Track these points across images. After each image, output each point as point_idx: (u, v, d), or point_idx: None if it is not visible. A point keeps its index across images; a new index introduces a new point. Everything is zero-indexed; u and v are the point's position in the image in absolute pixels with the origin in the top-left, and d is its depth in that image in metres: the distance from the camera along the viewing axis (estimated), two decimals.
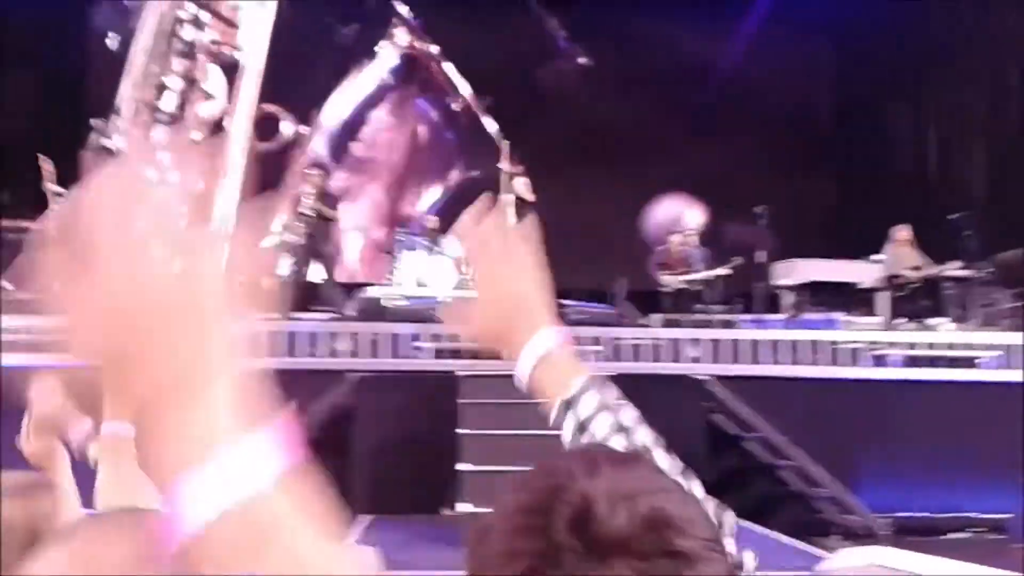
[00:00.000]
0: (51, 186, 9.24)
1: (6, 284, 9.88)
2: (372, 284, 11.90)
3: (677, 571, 0.60)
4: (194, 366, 0.52)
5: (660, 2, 14.38)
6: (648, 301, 10.78)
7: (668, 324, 10.02)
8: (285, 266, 13.96)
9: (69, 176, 9.90)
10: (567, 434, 0.98)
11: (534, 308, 1.05)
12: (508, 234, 1.07)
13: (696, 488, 0.85)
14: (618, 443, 0.93)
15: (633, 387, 6.46)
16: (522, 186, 9.44)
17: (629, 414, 0.97)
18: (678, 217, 12.35)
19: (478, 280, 1.06)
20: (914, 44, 14.11)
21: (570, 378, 1.00)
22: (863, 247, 11.23)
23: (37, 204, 10.05)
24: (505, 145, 10.36)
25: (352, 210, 14.20)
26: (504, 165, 9.73)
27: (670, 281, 10.20)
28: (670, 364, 8.28)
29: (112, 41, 14.01)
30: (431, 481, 7.07)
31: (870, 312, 11.18)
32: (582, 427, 0.96)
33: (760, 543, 6.52)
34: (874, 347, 8.52)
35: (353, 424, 7.41)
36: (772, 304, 11.27)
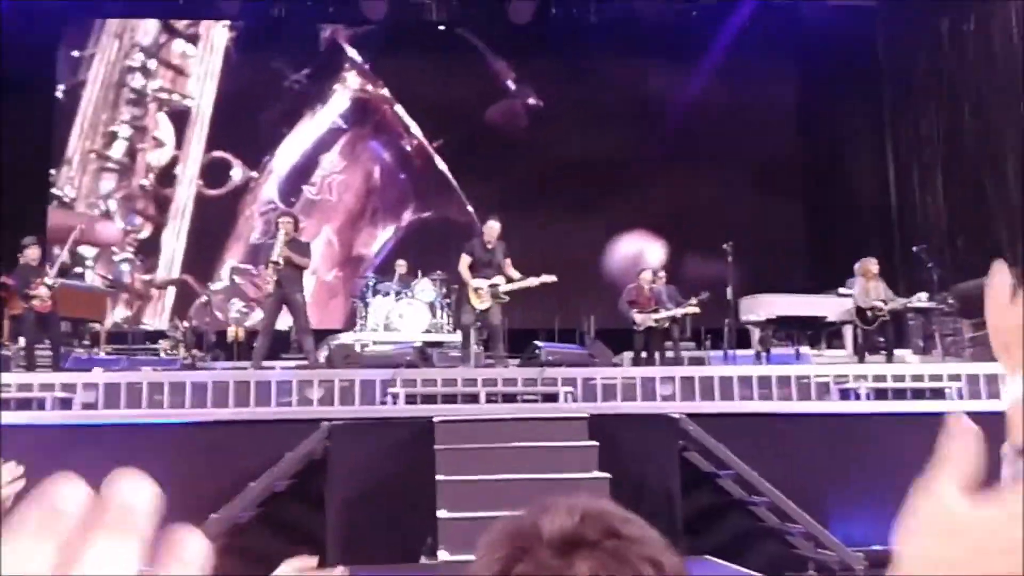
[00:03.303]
0: None
1: None
2: (337, 330, 11.89)
3: (625, 551, 0.71)
4: None
5: (619, 41, 14.64)
6: (619, 339, 10.85)
7: (639, 362, 10.09)
8: (234, 311, 13.98)
9: (32, 228, 9.86)
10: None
11: None
12: None
13: None
14: None
15: (607, 427, 6.43)
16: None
17: None
18: (639, 255, 12.46)
19: None
20: (874, 79, 14.47)
21: None
22: (830, 280, 11.42)
23: None
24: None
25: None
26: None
27: (641, 319, 10.29)
28: (643, 403, 8.32)
29: (60, 93, 14.08)
30: (409, 529, 7.02)
31: (837, 345, 11.34)
32: None
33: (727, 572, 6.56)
34: (841, 380, 8.63)
35: (327, 472, 7.36)
36: (742, 340, 11.40)
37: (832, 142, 15.15)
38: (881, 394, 8.54)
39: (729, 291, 10.74)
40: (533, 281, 9.15)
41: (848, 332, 10.61)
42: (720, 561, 7.01)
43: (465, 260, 9.13)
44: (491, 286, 9.00)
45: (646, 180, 14.62)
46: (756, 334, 11.53)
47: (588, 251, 14.51)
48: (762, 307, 11.22)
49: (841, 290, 10.38)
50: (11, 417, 7.63)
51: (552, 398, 8.25)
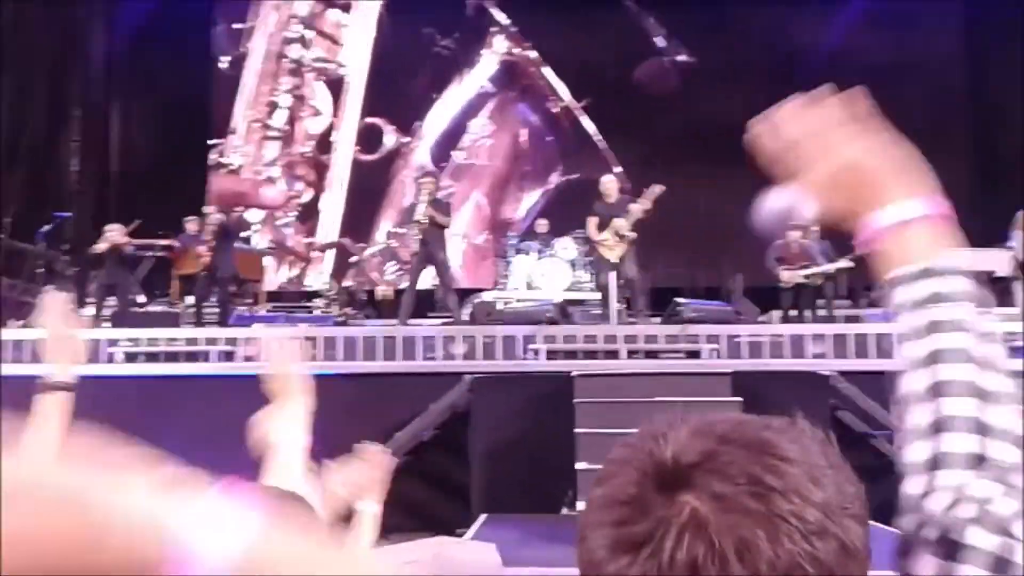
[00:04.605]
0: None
1: (140, 297, 10.49)
2: (484, 289, 12.07)
3: (772, 506, 0.56)
4: None
5: None
6: (767, 297, 10.53)
7: (788, 320, 9.77)
8: (390, 272, 14.37)
9: (195, 196, 10.47)
10: (905, 298, 0.83)
11: (898, 175, 0.87)
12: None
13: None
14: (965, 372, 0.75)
15: (752, 384, 6.26)
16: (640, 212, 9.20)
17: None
18: (790, 208, 11.87)
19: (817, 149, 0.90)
20: None
21: (937, 250, 0.84)
22: (1000, 233, 10.65)
23: (165, 223, 10.65)
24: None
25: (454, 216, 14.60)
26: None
27: (789, 276, 9.94)
28: (791, 360, 8.06)
29: (224, 64, 14.78)
30: (549, 480, 7.10)
31: (1008, 303, 10.61)
32: (936, 298, 0.80)
33: (892, 543, 6.28)
34: (1010, 339, 8.08)
35: (471, 423, 7.52)
36: None
37: (1002, 87, 14.05)
38: None
39: None
40: (644, 204, 8.96)
41: (1019, 288, 9.91)
42: (877, 523, 6.73)
43: (592, 222, 9.17)
44: (613, 232, 8.95)
45: None
46: None
47: (736, 207, 13.87)
48: None
49: (1010, 243, 9.69)
50: (181, 368, 8.18)
51: (695, 355, 8.11)
